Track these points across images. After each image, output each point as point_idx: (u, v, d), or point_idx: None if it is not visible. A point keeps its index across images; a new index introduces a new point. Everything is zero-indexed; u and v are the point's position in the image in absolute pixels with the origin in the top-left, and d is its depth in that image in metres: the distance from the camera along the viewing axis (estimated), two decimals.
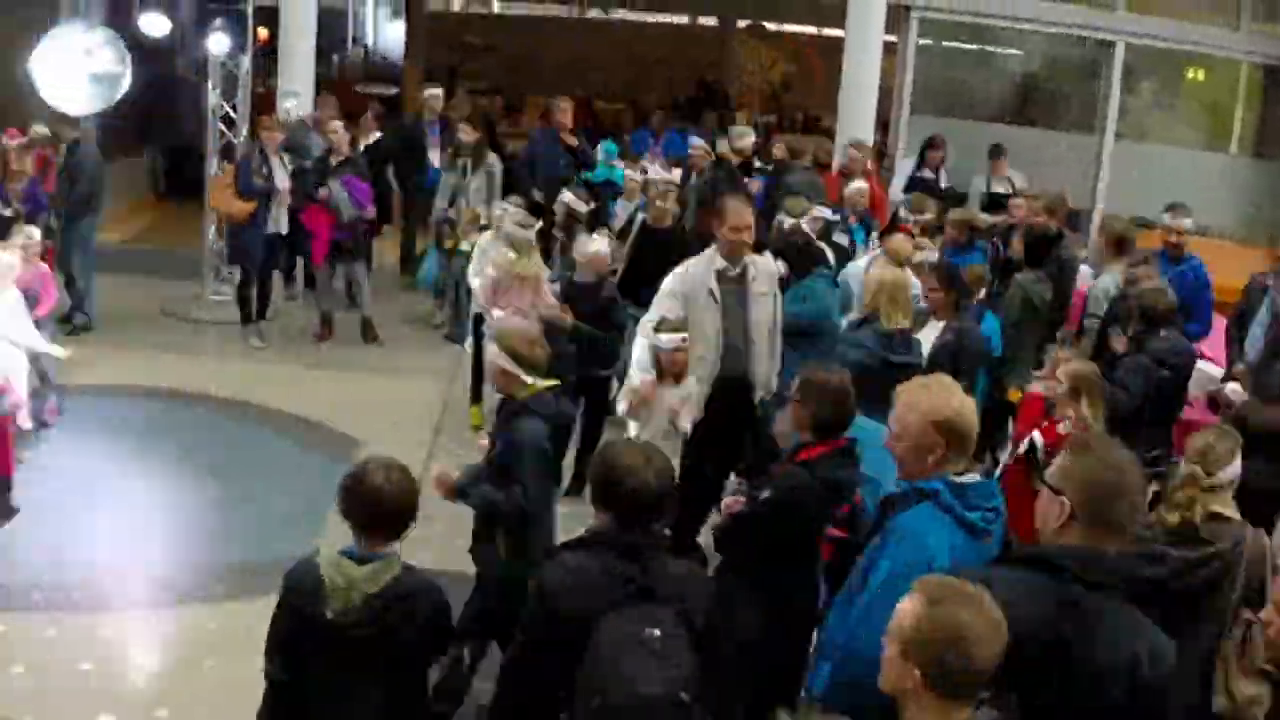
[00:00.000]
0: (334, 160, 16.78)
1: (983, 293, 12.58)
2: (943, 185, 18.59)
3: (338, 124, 17.43)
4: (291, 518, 11.72)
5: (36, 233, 13.29)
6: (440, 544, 9.51)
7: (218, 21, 16.33)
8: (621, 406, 10.98)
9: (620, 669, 5.48)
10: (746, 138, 18.47)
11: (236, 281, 17.20)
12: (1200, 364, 11.64)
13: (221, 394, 14.76)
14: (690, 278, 10.52)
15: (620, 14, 36.48)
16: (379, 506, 6.04)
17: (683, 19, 35.83)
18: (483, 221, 16.04)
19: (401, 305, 18.29)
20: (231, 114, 18.07)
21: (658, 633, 5.58)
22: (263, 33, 19.43)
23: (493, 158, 17.74)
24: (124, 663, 9.59)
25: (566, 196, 15.34)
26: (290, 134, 17.98)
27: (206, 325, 17.62)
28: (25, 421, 12.30)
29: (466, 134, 17.62)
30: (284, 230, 16.98)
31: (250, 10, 17.13)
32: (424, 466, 12.91)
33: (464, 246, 16.17)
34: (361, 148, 18.34)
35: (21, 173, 14.71)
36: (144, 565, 10.92)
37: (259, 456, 13.44)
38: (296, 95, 18.92)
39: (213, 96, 17.85)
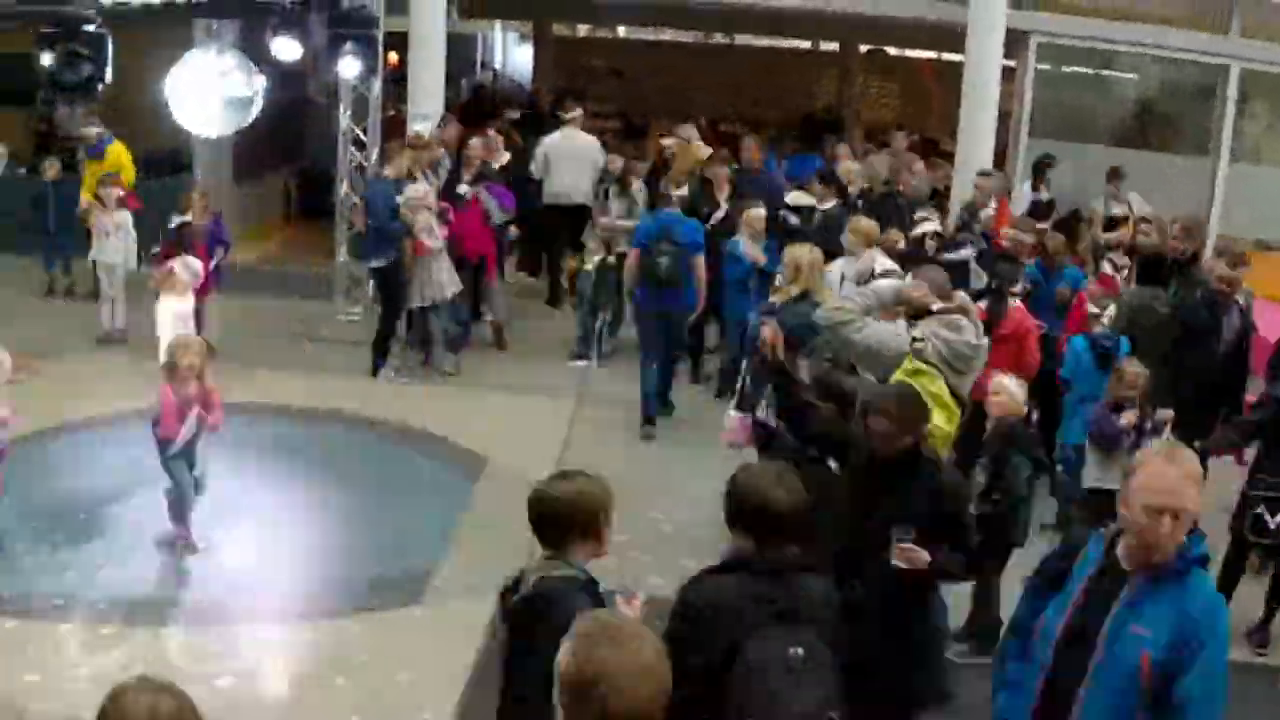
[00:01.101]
0: (468, 174, 16.98)
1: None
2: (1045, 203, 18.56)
3: (477, 141, 17.56)
4: (420, 533, 11.92)
5: None
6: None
7: (348, 46, 16.26)
8: None
9: (770, 690, 5.49)
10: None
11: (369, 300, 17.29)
12: None
13: (351, 411, 14.78)
14: None
15: (743, 39, 36.29)
16: (538, 513, 6.08)
17: (804, 44, 35.55)
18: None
19: (527, 323, 18.13)
20: (362, 137, 18.08)
21: (802, 652, 5.58)
22: (393, 57, 19.45)
23: (638, 184, 17.57)
24: (261, 677, 9.65)
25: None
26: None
27: (337, 344, 17.60)
28: None
29: (612, 161, 17.51)
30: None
31: (381, 35, 17.09)
32: None
33: (587, 267, 16.13)
34: (495, 168, 18.22)
35: None
36: (277, 580, 11.00)
37: (389, 472, 13.55)
38: (426, 118, 18.91)
39: (344, 120, 17.91)
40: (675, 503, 12.89)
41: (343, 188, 18.16)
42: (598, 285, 16.87)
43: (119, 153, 18.40)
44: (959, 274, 13.36)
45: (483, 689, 9.24)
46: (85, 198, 18.12)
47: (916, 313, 9.70)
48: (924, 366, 9.02)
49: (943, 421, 8.77)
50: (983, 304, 12.40)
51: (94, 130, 18.23)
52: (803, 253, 12.08)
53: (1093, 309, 12.55)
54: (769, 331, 10.06)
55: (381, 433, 14.52)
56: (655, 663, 4.08)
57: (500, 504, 12.53)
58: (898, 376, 8.95)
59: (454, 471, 13.54)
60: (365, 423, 14.67)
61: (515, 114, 26.68)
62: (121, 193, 17.48)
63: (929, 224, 14.71)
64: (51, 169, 18.99)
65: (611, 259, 16.76)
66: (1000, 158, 20.36)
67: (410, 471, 13.61)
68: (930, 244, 14.16)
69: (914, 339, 9.20)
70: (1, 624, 9.89)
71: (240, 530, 11.90)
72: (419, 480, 13.41)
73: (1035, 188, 18.81)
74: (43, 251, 18.87)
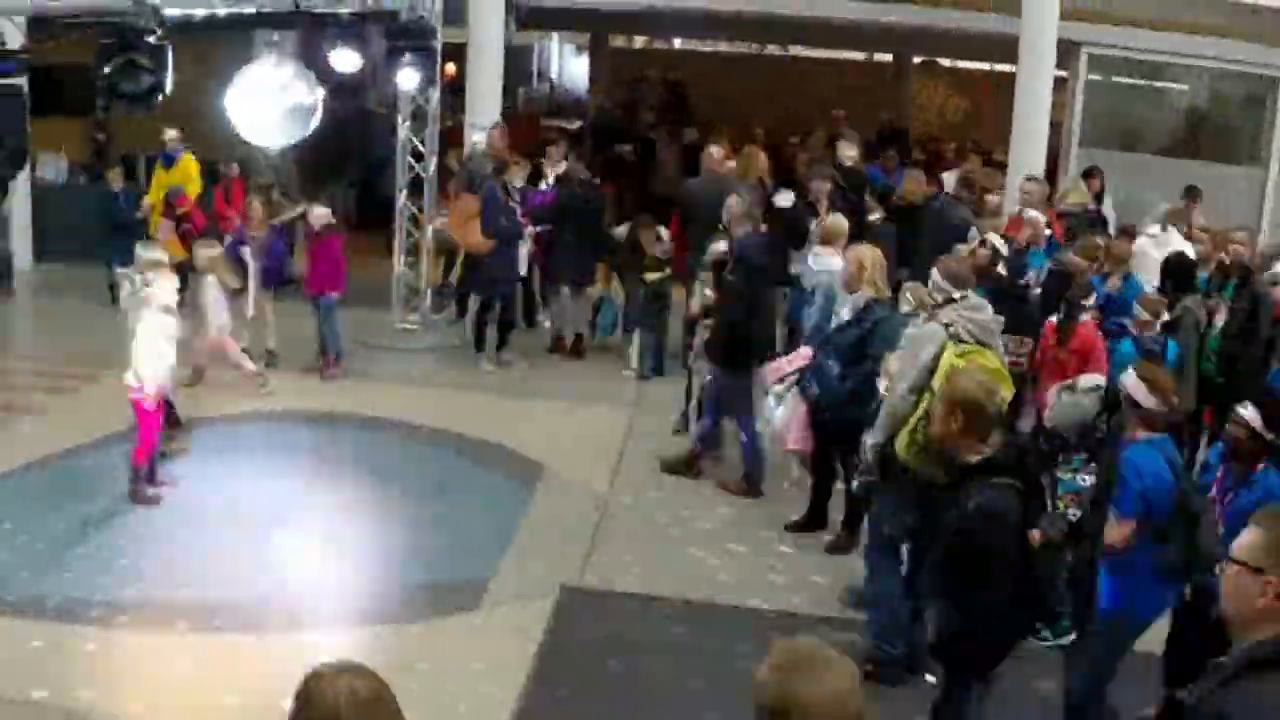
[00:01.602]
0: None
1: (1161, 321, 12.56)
2: (1105, 215, 18.35)
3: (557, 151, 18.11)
4: (478, 540, 11.81)
5: None
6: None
7: (407, 57, 16.28)
8: None
9: None
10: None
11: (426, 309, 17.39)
12: None
13: (410, 419, 14.86)
14: None
15: (798, 50, 36.13)
16: None
17: (859, 56, 35.42)
18: None
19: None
20: (420, 147, 18.03)
21: None
22: (450, 68, 19.38)
23: None
24: None
25: None
26: (473, 164, 18.15)
27: (396, 353, 17.72)
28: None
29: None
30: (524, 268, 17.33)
31: (439, 47, 17.08)
32: (609, 486, 13.07)
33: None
34: (552, 179, 18.26)
35: None
36: (337, 585, 10.98)
37: (447, 479, 13.45)
38: (483, 129, 18.90)
39: (402, 130, 17.89)
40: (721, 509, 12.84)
41: (401, 198, 18.10)
42: (654, 301, 16.66)
43: (188, 165, 18.47)
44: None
45: (540, 693, 9.27)
46: (149, 200, 18.20)
47: (940, 303, 9.72)
48: (971, 346, 9.10)
49: (1005, 391, 8.90)
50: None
51: (173, 134, 18.27)
52: (865, 251, 11.89)
53: (1144, 315, 12.39)
54: None
55: (439, 440, 14.42)
56: (849, 690, 3.97)
57: (557, 511, 12.61)
58: (950, 361, 8.95)
59: (511, 479, 13.41)
60: (423, 430, 14.63)
61: (568, 124, 26.70)
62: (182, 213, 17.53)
63: (993, 238, 14.42)
64: (117, 178, 18.99)
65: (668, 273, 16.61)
66: (1052, 167, 20.23)
67: (468, 479, 13.51)
68: (987, 254, 13.83)
69: (945, 325, 9.25)
70: (72, 629, 9.89)
71: (300, 536, 11.89)
72: (477, 488, 13.28)
73: None
74: (107, 259, 18.83)
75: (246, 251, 16.11)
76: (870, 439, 9.68)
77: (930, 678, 9.47)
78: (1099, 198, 18.49)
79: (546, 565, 11.32)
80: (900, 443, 9.27)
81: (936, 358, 9.12)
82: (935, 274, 9.81)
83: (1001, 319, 9.66)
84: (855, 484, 10.72)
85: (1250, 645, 4.40)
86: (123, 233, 18.04)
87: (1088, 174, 18.71)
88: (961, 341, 9.13)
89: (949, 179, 19.55)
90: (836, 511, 12.10)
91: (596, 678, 9.50)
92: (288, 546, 11.66)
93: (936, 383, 8.86)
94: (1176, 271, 14.02)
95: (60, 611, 10.06)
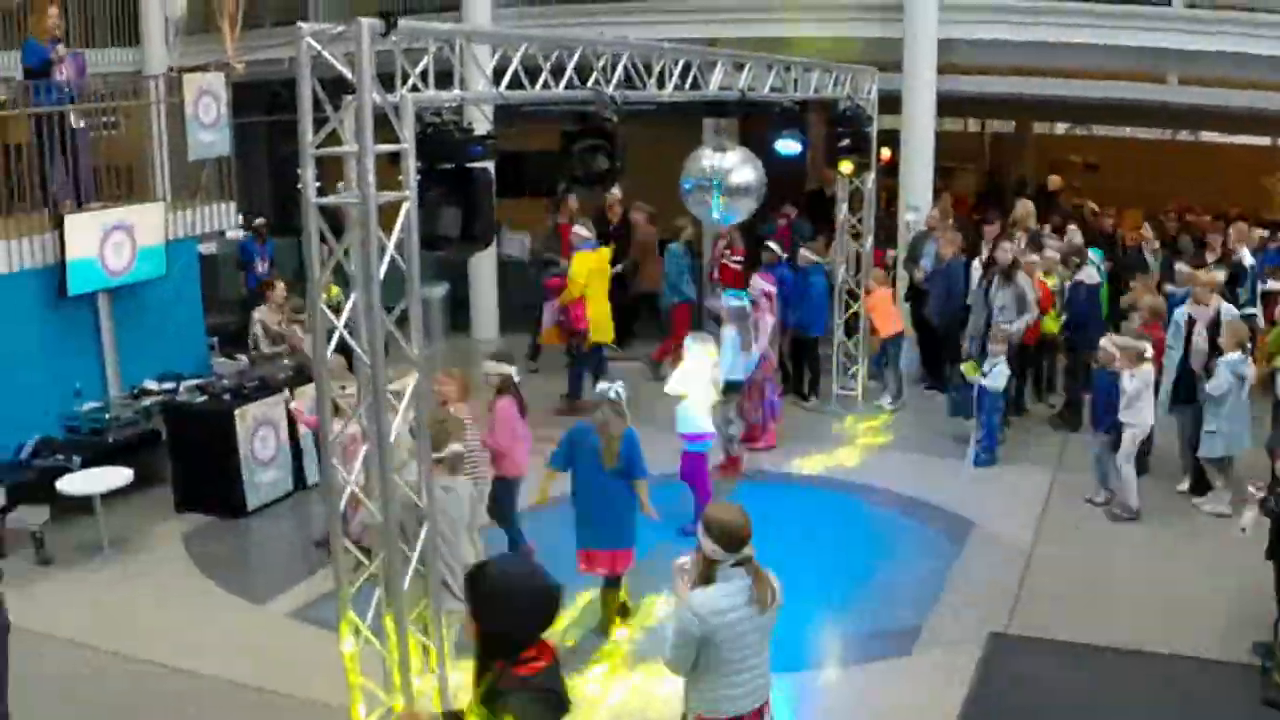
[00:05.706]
0: None
1: None
2: None
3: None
4: (912, 589, 11.59)
5: None
6: None
7: (845, 143, 15.85)
8: None
9: None
10: None
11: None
12: None
13: (847, 478, 14.70)
14: None
15: (1208, 136, 34.63)
16: None
17: (1264, 140, 33.61)
18: None
19: None
20: (858, 226, 17.41)
21: None
22: (885, 153, 18.73)
23: (1022, 277, 16.04)
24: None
25: None
26: (914, 243, 18.21)
27: (835, 416, 17.30)
28: None
29: (1004, 252, 16.15)
30: None
31: (875, 132, 16.58)
32: (1034, 540, 12.58)
33: (986, 380, 14.85)
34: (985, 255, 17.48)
35: None
36: (783, 630, 10.40)
37: (883, 533, 13.18)
38: (918, 209, 18.80)
39: (841, 211, 17.29)
40: (1143, 567, 12.08)
41: (840, 273, 17.45)
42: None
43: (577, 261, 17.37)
44: None
45: None
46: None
47: None
48: None
49: None
50: None
51: (584, 233, 17.71)
52: None
53: None
54: None
55: (875, 497, 14.10)
56: None
57: (985, 563, 12.21)
58: None
59: (942, 533, 13.02)
60: (860, 487, 14.38)
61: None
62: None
63: None
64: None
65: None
66: None
67: (902, 532, 13.14)
68: None
69: None
70: None
71: None
72: (911, 541, 12.91)
73: None
74: None
75: None
76: None
77: None
78: None
79: (975, 613, 10.99)
80: None
81: None
82: None
83: None
84: None
85: None
86: None
87: None
88: None
89: None
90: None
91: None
92: None
93: None
94: None
95: None
